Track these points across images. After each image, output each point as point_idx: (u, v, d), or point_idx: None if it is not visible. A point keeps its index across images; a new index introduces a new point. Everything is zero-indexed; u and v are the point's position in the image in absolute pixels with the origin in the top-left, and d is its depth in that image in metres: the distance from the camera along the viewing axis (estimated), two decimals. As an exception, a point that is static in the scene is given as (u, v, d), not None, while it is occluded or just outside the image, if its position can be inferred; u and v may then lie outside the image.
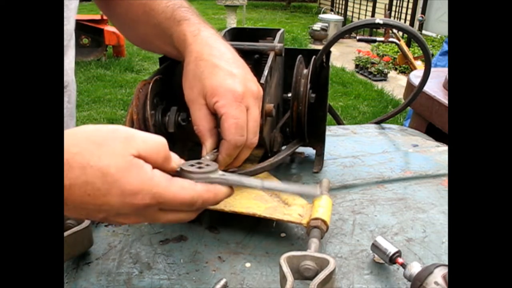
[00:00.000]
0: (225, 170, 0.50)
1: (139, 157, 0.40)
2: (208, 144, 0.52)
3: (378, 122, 1.02)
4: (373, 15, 8.22)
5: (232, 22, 7.29)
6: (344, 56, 6.32)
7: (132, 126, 0.53)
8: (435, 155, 0.82)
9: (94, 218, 0.42)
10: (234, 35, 0.73)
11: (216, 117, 0.52)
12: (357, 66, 5.74)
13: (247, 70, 0.55)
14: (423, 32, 7.23)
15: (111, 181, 0.39)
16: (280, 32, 0.71)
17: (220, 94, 0.51)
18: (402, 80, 5.20)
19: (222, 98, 0.51)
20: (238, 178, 0.47)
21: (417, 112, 1.54)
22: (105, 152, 0.39)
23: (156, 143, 0.42)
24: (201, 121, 0.52)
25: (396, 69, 5.62)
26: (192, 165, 0.45)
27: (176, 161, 0.45)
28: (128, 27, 0.67)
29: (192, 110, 0.53)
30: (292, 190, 0.52)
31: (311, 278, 0.43)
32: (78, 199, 0.39)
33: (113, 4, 0.67)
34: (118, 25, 0.70)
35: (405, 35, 5.33)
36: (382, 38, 3.52)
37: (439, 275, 0.44)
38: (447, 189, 0.70)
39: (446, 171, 0.75)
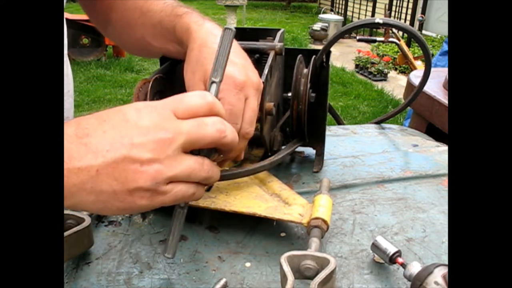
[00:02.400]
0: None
1: None
2: None
3: (378, 122, 1.02)
4: (373, 15, 8.22)
5: (232, 22, 7.29)
6: (344, 56, 6.32)
7: None
8: (435, 155, 0.82)
9: (123, 150, 0.39)
10: (235, 35, 0.73)
11: None
12: (357, 66, 5.75)
13: (249, 62, 0.56)
14: (423, 32, 7.23)
15: (122, 107, 0.42)
16: (280, 32, 0.71)
17: None
18: (402, 80, 5.20)
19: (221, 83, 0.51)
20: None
21: (417, 112, 1.54)
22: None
23: None
24: None
25: (396, 69, 5.62)
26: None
27: None
28: (124, 33, 0.67)
29: None
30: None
31: (312, 277, 0.43)
32: (99, 133, 0.39)
33: (108, 11, 0.67)
34: (112, 33, 0.70)
35: (405, 35, 5.33)
36: (382, 38, 3.52)
37: (439, 275, 0.44)
38: (447, 189, 0.70)
39: (446, 171, 0.75)
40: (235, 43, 0.57)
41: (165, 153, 0.40)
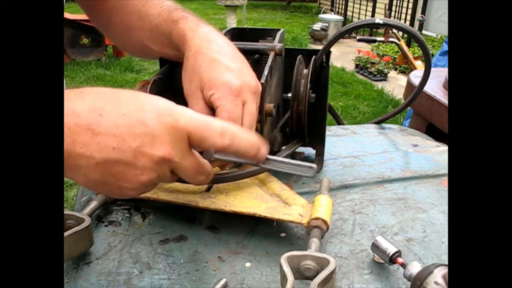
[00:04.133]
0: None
1: None
2: None
3: (378, 122, 1.02)
4: (373, 15, 8.22)
5: (232, 22, 7.30)
6: (344, 56, 6.32)
7: None
8: (435, 155, 0.82)
9: (127, 154, 0.39)
10: (234, 35, 0.73)
11: (213, 112, 0.52)
12: (357, 66, 5.74)
13: (246, 65, 0.55)
14: (423, 32, 7.23)
15: (143, 99, 0.41)
16: (280, 32, 0.71)
17: (216, 87, 0.51)
18: (402, 80, 5.20)
19: (218, 90, 0.51)
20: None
21: (417, 112, 1.54)
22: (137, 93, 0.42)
23: None
24: None
25: (396, 69, 5.62)
26: None
27: None
28: (123, 36, 0.67)
29: (190, 104, 0.53)
30: (287, 170, 0.49)
31: (312, 277, 0.43)
32: (112, 120, 0.38)
33: (108, 15, 0.67)
34: (113, 35, 0.70)
35: (405, 35, 5.33)
36: (382, 38, 3.52)
37: (439, 275, 0.44)
38: (447, 189, 0.70)
39: (446, 171, 0.75)
40: (232, 45, 0.57)
41: (164, 171, 0.42)
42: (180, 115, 0.41)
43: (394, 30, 3.91)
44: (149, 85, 0.55)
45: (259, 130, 0.61)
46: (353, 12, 9.25)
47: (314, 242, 0.50)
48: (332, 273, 0.43)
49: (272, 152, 0.68)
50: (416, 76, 1.56)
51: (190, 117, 0.42)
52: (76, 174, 0.40)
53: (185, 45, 0.55)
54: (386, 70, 5.35)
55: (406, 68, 5.17)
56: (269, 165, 0.48)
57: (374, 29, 6.63)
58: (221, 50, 0.54)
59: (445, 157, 0.81)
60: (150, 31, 0.61)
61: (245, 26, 7.15)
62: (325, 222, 0.53)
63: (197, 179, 0.46)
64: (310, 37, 7.51)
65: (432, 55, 2.65)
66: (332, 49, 0.75)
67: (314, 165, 0.48)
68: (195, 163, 0.44)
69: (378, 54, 5.92)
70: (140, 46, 0.64)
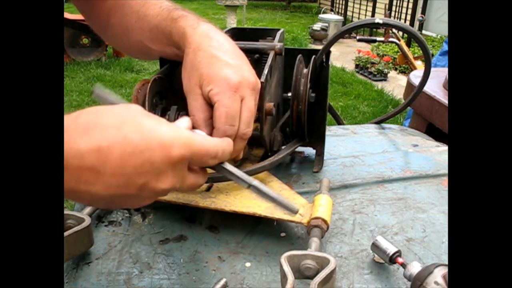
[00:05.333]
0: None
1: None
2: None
3: (378, 122, 1.02)
4: (373, 15, 8.22)
5: (232, 22, 7.29)
6: (344, 56, 6.32)
7: None
8: (435, 155, 0.82)
9: (131, 190, 0.40)
10: (234, 35, 0.73)
11: (212, 108, 0.52)
12: (357, 66, 5.74)
13: (246, 62, 0.55)
14: (423, 32, 7.22)
15: (148, 134, 0.40)
16: (280, 32, 0.71)
17: (215, 82, 0.51)
18: (402, 80, 5.20)
19: (216, 86, 0.51)
20: (235, 169, 0.50)
21: (417, 112, 1.54)
22: (134, 112, 0.41)
23: None
24: (197, 111, 0.52)
25: (396, 69, 5.62)
26: None
27: (185, 122, 0.49)
28: (123, 37, 0.67)
29: (188, 100, 0.53)
30: (275, 198, 0.52)
31: (312, 277, 0.43)
32: (117, 161, 0.38)
33: (106, 17, 0.67)
34: (111, 37, 0.70)
35: (405, 35, 5.33)
36: (382, 38, 3.52)
37: (439, 275, 0.44)
38: (447, 189, 0.70)
39: (446, 171, 0.75)
40: (233, 43, 0.57)
41: (165, 194, 0.44)
42: (186, 145, 0.42)
43: (394, 30, 3.91)
44: (149, 84, 0.55)
45: (259, 130, 0.61)
46: (353, 12, 9.25)
47: (314, 242, 0.50)
48: (332, 272, 0.43)
49: (272, 152, 0.68)
50: (416, 76, 1.56)
51: (193, 144, 0.43)
52: (79, 201, 0.43)
53: (185, 42, 0.55)
54: (386, 70, 5.34)
55: (406, 68, 5.17)
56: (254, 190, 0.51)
57: (374, 29, 6.63)
58: (221, 47, 0.54)
59: (445, 157, 0.81)
60: (149, 31, 0.61)
61: (245, 26, 7.15)
62: (325, 221, 0.53)
63: (194, 189, 0.48)
64: (310, 37, 7.51)
65: (432, 55, 2.65)
66: (332, 49, 0.75)
67: (295, 207, 0.53)
68: (193, 181, 0.46)
69: (378, 54, 5.92)
70: (140, 47, 0.64)
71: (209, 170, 0.49)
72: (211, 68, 0.52)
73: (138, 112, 0.42)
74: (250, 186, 0.49)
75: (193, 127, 0.50)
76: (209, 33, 0.55)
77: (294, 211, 0.53)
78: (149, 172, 0.40)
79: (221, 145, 0.47)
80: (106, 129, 0.38)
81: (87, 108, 0.41)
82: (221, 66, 0.52)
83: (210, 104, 0.52)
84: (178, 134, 0.42)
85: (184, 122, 0.48)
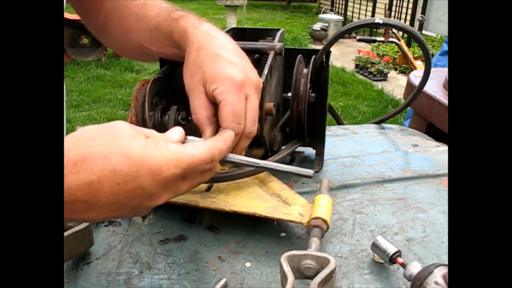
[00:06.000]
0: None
1: (148, 136, 0.43)
2: (207, 132, 0.52)
3: (378, 122, 1.02)
4: (373, 15, 8.22)
5: (232, 22, 7.29)
6: (344, 56, 6.32)
7: None
8: (435, 155, 0.82)
9: (125, 211, 0.42)
10: (234, 35, 0.73)
11: (215, 106, 0.52)
12: (357, 66, 5.74)
13: (247, 61, 0.55)
14: (423, 32, 7.23)
15: (136, 161, 0.40)
16: (280, 32, 0.71)
17: (219, 81, 0.51)
18: (402, 80, 5.20)
19: (221, 84, 0.51)
20: (239, 157, 0.51)
21: (417, 112, 1.54)
22: (122, 137, 0.41)
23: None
24: (200, 110, 0.52)
25: (396, 69, 5.62)
26: None
27: (177, 134, 0.48)
28: (121, 40, 0.67)
29: (191, 98, 0.53)
30: (287, 169, 0.52)
31: (312, 277, 0.43)
32: (108, 192, 0.39)
33: (104, 20, 0.67)
34: (109, 39, 0.70)
35: (405, 35, 5.33)
36: (382, 38, 3.52)
37: (439, 275, 0.44)
38: (447, 189, 0.70)
39: (446, 171, 0.75)
40: (234, 42, 0.57)
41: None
42: (175, 163, 0.42)
43: (394, 30, 3.91)
44: (149, 84, 0.55)
45: (259, 129, 0.61)
46: (353, 12, 9.25)
47: (314, 242, 0.50)
48: (332, 272, 0.43)
49: (272, 152, 0.68)
50: (416, 76, 1.56)
51: (183, 160, 0.43)
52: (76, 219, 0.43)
53: (187, 41, 0.55)
54: (386, 70, 5.34)
55: (406, 68, 5.17)
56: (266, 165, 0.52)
57: (374, 29, 6.63)
58: (223, 46, 0.54)
59: (445, 157, 0.81)
60: (149, 32, 0.61)
61: (245, 26, 7.15)
62: (325, 221, 0.53)
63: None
64: (310, 37, 7.51)
65: (432, 55, 2.65)
66: (332, 49, 0.75)
67: (310, 171, 0.52)
68: (188, 187, 0.46)
69: (378, 54, 5.92)
70: (139, 49, 0.64)
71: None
72: (215, 67, 0.52)
73: (125, 136, 0.41)
74: (258, 167, 0.51)
75: (188, 132, 0.50)
76: (210, 32, 0.55)
77: (309, 176, 0.52)
78: (140, 195, 0.41)
79: (217, 146, 0.47)
80: (95, 163, 0.38)
81: (74, 133, 0.41)
82: (225, 64, 0.52)
83: (213, 103, 0.52)
84: (167, 155, 0.42)
85: (175, 133, 0.48)
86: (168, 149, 0.42)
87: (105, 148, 0.39)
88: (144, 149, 0.41)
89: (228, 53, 0.53)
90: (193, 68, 0.53)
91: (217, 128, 0.52)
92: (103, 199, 0.39)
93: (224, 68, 0.52)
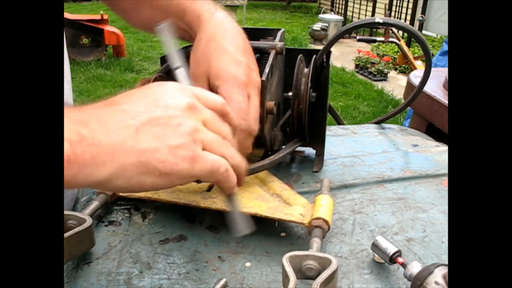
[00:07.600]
0: None
1: None
2: None
3: (378, 122, 1.02)
4: (373, 15, 8.22)
5: (232, 22, 7.28)
6: (344, 56, 6.32)
7: None
8: (435, 155, 0.82)
9: (152, 116, 0.40)
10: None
11: None
12: (357, 66, 5.75)
13: (253, 60, 0.56)
14: (423, 32, 7.23)
15: (158, 84, 0.44)
16: (280, 32, 0.71)
17: (223, 79, 0.52)
18: (402, 80, 5.20)
19: (225, 82, 0.52)
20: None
21: (417, 112, 1.54)
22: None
23: None
24: None
25: (396, 69, 5.62)
26: None
27: None
28: (131, 12, 0.67)
29: None
30: (234, 216, 0.48)
31: (314, 277, 0.43)
32: (136, 96, 0.41)
33: None
34: (121, 10, 0.70)
35: (405, 35, 5.34)
36: (382, 38, 3.52)
37: (439, 275, 0.44)
38: (447, 189, 0.70)
39: (446, 171, 0.75)
40: (244, 36, 0.57)
41: (198, 117, 0.42)
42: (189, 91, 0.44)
43: (394, 30, 3.92)
44: (150, 83, 0.55)
45: (260, 129, 0.61)
46: (353, 12, 9.25)
47: (316, 242, 0.50)
48: (334, 273, 0.43)
49: (272, 151, 0.68)
50: (416, 76, 1.56)
51: (196, 91, 0.44)
52: (124, 154, 0.38)
53: (200, 27, 0.56)
54: (386, 70, 5.35)
55: (406, 68, 5.17)
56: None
57: (374, 29, 6.63)
58: (233, 40, 0.55)
59: (445, 157, 0.81)
60: (159, 9, 0.61)
61: (245, 26, 7.14)
62: (326, 222, 0.53)
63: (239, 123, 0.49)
64: (310, 37, 7.51)
65: (432, 55, 2.65)
66: (332, 49, 0.75)
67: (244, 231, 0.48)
68: (212, 124, 0.43)
69: (378, 54, 5.93)
70: (149, 23, 0.64)
71: None
72: (220, 62, 0.53)
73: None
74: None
75: None
76: (224, 22, 0.56)
77: (239, 235, 0.47)
78: (165, 107, 0.41)
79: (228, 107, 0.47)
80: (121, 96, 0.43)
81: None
82: (231, 62, 0.53)
83: None
84: (185, 88, 0.44)
85: None
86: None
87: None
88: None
89: (237, 49, 0.54)
90: (200, 58, 0.54)
91: None
92: (127, 105, 0.40)
93: (229, 66, 0.52)
